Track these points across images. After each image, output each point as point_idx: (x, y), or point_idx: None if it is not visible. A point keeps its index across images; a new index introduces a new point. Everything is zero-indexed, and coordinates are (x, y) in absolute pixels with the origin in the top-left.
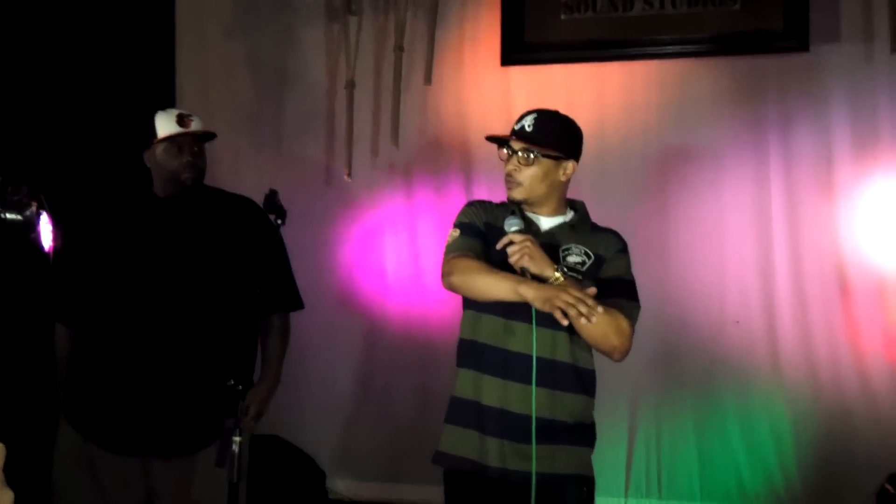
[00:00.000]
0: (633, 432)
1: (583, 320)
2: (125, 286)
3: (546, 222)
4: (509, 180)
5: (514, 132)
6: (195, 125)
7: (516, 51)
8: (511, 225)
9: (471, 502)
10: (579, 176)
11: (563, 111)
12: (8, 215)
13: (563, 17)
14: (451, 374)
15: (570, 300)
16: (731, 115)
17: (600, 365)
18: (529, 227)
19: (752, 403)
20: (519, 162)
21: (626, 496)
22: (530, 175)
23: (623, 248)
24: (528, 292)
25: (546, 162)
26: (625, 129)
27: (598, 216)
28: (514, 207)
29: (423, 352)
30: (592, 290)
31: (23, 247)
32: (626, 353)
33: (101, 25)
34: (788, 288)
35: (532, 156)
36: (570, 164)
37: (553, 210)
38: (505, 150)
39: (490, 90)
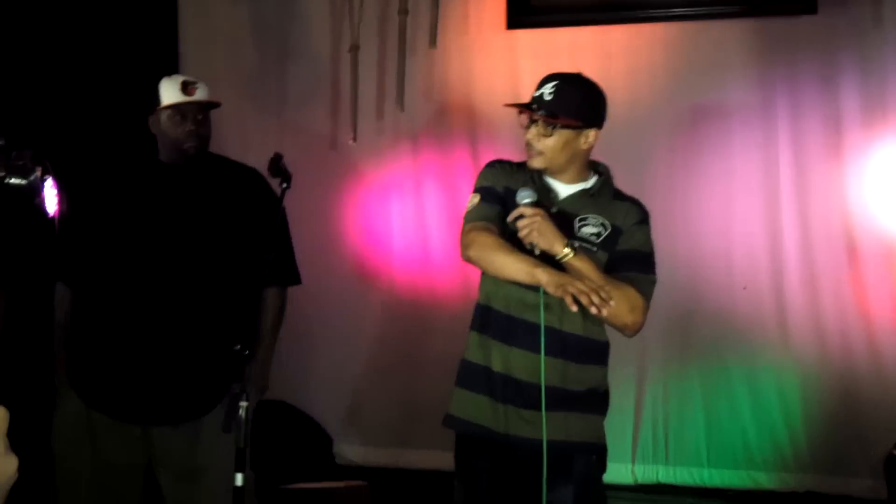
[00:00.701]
0: (641, 397)
1: (593, 310)
2: (126, 250)
3: (564, 190)
4: (529, 149)
5: (534, 99)
6: (200, 93)
7: (522, 13)
8: (523, 197)
9: (480, 466)
10: None
11: None
12: (12, 180)
13: None
14: (456, 339)
15: (584, 289)
16: (739, 78)
17: (606, 329)
18: (547, 196)
19: (759, 369)
20: (539, 129)
21: (633, 461)
22: (550, 145)
23: (642, 220)
24: (543, 276)
25: (566, 132)
26: (631, 93)
27: None
28: (534, 174)
29: (429, 316)
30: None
31: (27, 212)
32: (638, 329)
33: None
34: (796, 253)
35: (552, 126)
36: (591, 133)
37: (574, 177)
38: (525, 117)
39: (495, 53)
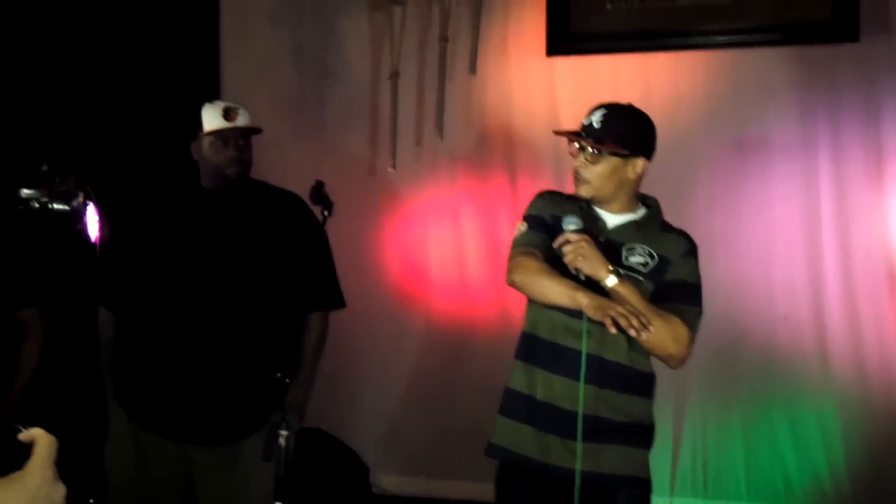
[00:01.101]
0: (679, 429)
1: (632, 332)
2: (169, 275)
3: (612, 220)
4: (577, 177)
5: (583, 128)
6: (241, 119)
7: (562, 41)
8: (569, 223)
9: (520, 496)
10: None
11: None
12: (55, 205)
13: (609, 6)
14: (494, 367)
15: (623, 312)
16: (780, 106)
17: None
18: (595, 225)
19: (800, 400)
20: (586, 159)
21: (671, 494)
22: (598, 173)
23: (690, 251)
24: (584, 300)
25: (613, 160)
26: (671, 121)
27: None
28: (582, 203)
29: (467, 344)
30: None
31: (70, 237)
32: (683, 360)
33: (147, 15)
34: (837, 283)
35: (599, 153)
36: (639, 162)
37: (622, 207)
38: (575, 145)
39: (535, 80)
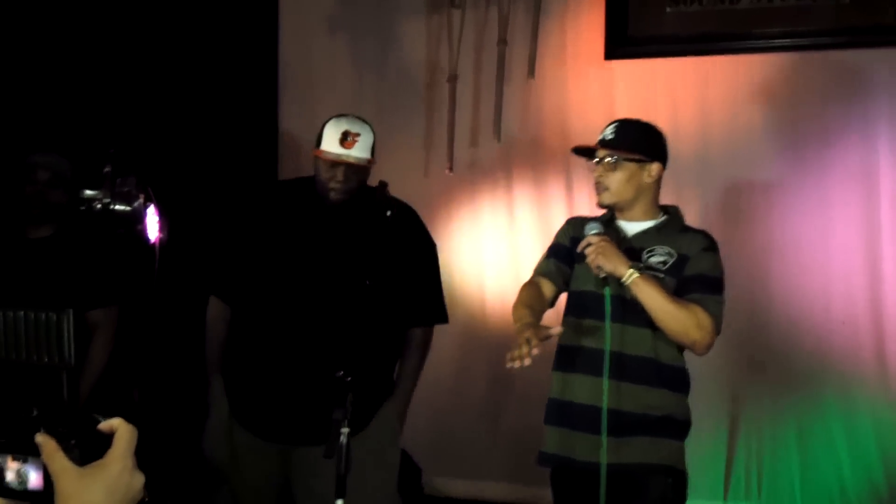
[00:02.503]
0: (734, 433)
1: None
2: (282, 278)
3: (633, 228)
4: (598, 187)
5: (598, 142)
6: (357, 147)
7: (620, 44)
8: (590, 229)
9: (572, 497)
10: (682, 172)
11: (666, 105)
12: (117, 206)
13: (668, 9)
14: (544, 372)
15: (520, 339)
16: (839, 109)
17: (701, 365)
18: (616, 237)
19: (857, 407)
20: (604, 168)
21: (725, 499)
22: (616, 179)
23: (709, 247)
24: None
25: (629, 165)
26: (728, 124)
27: (700, 213)
28: (604, 218)
29: None
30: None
31: (130, 238)
32: (707, 346)
33: (210, 21)
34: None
35: (615, 160)
36: (654, 167)
37: (643, 214)
38: (594, 161)
39: (593, 84)
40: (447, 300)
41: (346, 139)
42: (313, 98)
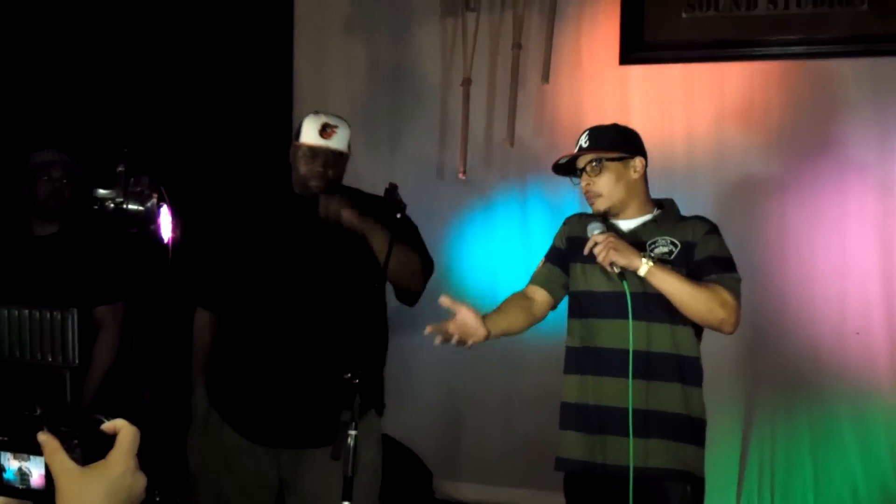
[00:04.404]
0: (747, 442)
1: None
2: (264, 279)
3: (630, 225)
4: (588, 195)
5: (576, 153)
6: (336, 139)
7: (635, 49)
8: (593, 229)
9: (589, 503)
10: (697, 177)
11: (681, 110)
12: (130, 206)
13: (684, 15)
14: (559, 375)
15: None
16: (855, 118)
17: (714, 371)
18: (616, 232)
19: (871, 417)
20: (590, 175)
21: None
22: (604, 182)
23: (711, 230)
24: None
25: (613, 165)
26: (744, 131)
27: (715, 218)
28: (598, 218)
29: (531, 354)
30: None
31: (143, 238)
32: (735, 324)
33: (224, 22)
34: None
35: (598, 164)
36: (637, 161)
37: (637, 211)
38: (575, 177)
39: (608, 89)
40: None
41: (325, 130)
42: (327, 100)
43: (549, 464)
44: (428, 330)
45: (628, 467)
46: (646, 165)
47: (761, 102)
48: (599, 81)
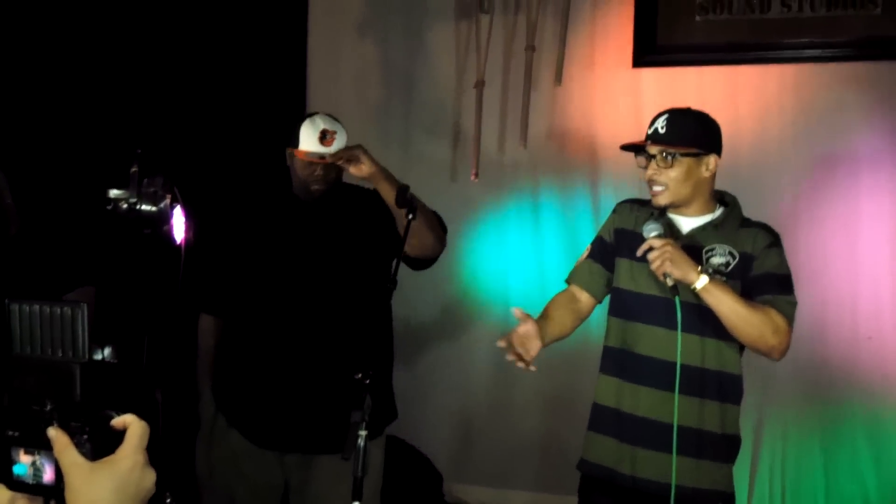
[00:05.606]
0: (758, 447)
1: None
2: (266, 282)
3: (689, 223)
4: (652, 186)
5: (648, 136)
6: (336, 143)
7: (648, 52)
8: (650, 231)
9: None
10: None
11: None
12: (143, 207)
13: (697, 18)
14: (569, 380)
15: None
16: (870, 122)
17: None
18: (671, 231)
19: (882, 423)
20: (658, 165)
21: None
22: (672, 176)
23: (773, 243)
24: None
25: (686, 160)
26: (758, 134)
27: None
28: (654, 210)
29: (542, 357)
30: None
31: (156, 239)
32: (784, 351)
33: (237, 24)
34: None
35: (671, 157)
36: (711, 159)
37: (700, 209)
38: (643, 157)
39: (620, 92)
40: (471, 304)
41: (325, 138)
42: (341, 102)
43: (559, 467)
44: (500, 344)
45: (659, 483)
46: (719, 161)
47: (775, 106)
48: (612, 84)
